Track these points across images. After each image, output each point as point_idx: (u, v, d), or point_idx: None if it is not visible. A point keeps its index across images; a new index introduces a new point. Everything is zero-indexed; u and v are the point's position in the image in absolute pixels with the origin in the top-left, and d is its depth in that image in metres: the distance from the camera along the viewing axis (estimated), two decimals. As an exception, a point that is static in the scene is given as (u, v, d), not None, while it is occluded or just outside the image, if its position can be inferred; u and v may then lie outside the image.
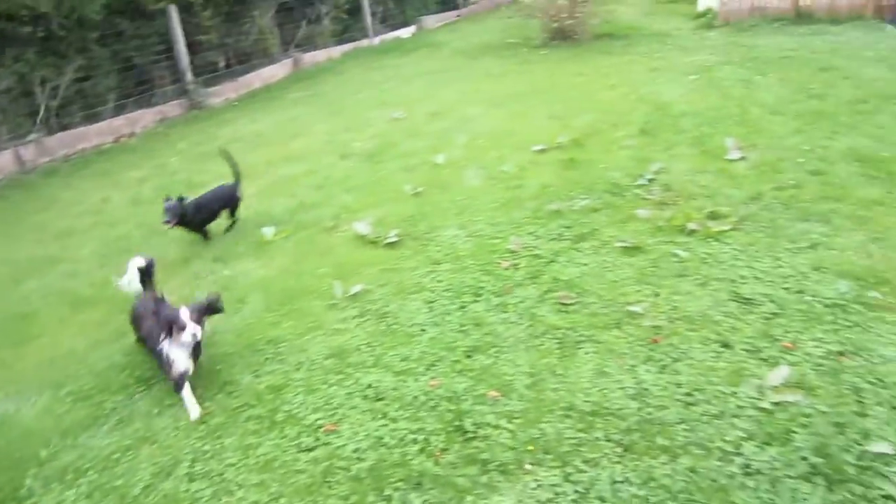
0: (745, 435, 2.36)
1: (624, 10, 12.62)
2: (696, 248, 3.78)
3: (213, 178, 5.91)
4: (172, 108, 8.79)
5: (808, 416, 2.41)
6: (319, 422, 2.69)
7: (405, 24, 14.55)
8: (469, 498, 2.24)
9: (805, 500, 2.08)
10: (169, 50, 8.79)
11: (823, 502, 2.07)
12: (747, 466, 2.23)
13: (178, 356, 2.88)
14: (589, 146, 5.71)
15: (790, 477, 2.16)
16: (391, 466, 2.41)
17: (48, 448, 2.80)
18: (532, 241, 4.02)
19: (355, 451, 2.51)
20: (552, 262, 3.77)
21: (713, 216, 4.14)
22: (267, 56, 10.60)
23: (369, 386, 2.87)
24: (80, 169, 7.15)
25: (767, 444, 2.31)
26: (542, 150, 5.66)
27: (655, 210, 4.31)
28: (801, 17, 11.14)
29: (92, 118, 7.91)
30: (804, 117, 6.04)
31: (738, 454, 2.28)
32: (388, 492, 2.31)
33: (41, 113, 7.42)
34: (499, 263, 3.80)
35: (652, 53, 9.79)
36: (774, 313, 3.10)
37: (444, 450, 2.46)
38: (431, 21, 15.41)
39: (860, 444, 2.26)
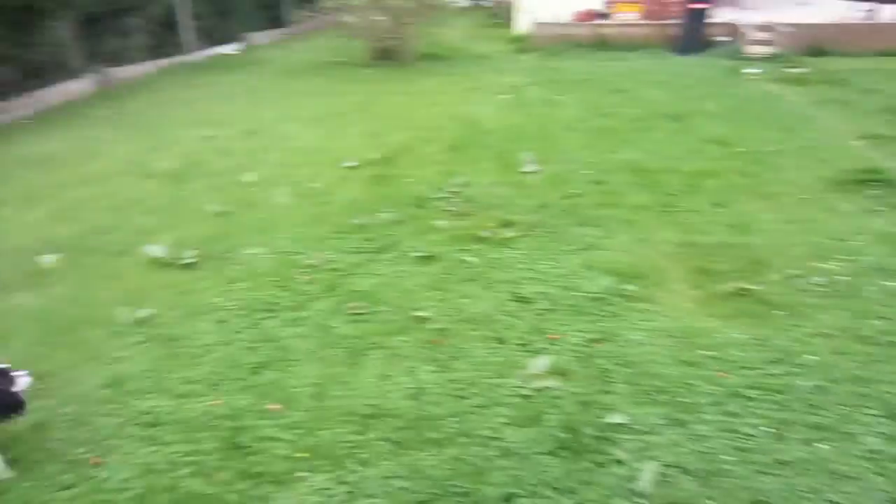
0: (506, 420, 2.57)
1: (448, 33, 13.24)
2: (487, 254, 4.05)
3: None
4: (-54, 127, 7.74)
5: (560, 397, 2.68)
6: (84, 456, 2.51)
7: (231, 40, 14.07)
8: (238, 513, 2.21)
9: (550, 471, 2.31)
10: (-60, 61, 7.75)
11: (565, 472, 2.30)
12: (505, 448, 2.42)
13: None
14: (400, 162, 5.92)
15: (539, 453, 2.39)
16: (159, 492, 2.30)
17: None
18: (333, 255, 4.07)
19: (122, 481, 2.37)
20: (350, 274, 3.84)
21: (505, 224, 4.47)
22: (67, 70, 9.71)
23: (145, 412, 2.73)
24: None
25: (524, 426, 2.53)
26: (354, 167, 5.76)
27: (454, 221, 4.56)
28: (603, 44, 12.44)
29: None
30: (593, 133, 6.74)
31: (498, 438, 2.48)
32: (151, 519, 2.21)
33: None
34: (297, 279, 3.80)
35: (470, 74, 10.39)
36: (547, 309, 3.41)
37: (218, 468, 2.40)
38: (260, 38, 15.07)
39: (601, 418, 2.56)
